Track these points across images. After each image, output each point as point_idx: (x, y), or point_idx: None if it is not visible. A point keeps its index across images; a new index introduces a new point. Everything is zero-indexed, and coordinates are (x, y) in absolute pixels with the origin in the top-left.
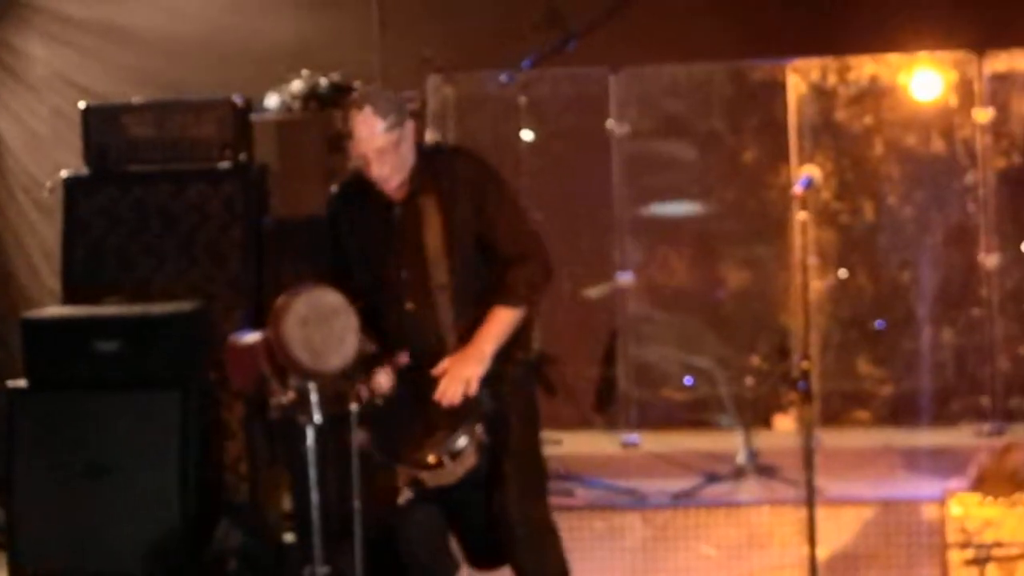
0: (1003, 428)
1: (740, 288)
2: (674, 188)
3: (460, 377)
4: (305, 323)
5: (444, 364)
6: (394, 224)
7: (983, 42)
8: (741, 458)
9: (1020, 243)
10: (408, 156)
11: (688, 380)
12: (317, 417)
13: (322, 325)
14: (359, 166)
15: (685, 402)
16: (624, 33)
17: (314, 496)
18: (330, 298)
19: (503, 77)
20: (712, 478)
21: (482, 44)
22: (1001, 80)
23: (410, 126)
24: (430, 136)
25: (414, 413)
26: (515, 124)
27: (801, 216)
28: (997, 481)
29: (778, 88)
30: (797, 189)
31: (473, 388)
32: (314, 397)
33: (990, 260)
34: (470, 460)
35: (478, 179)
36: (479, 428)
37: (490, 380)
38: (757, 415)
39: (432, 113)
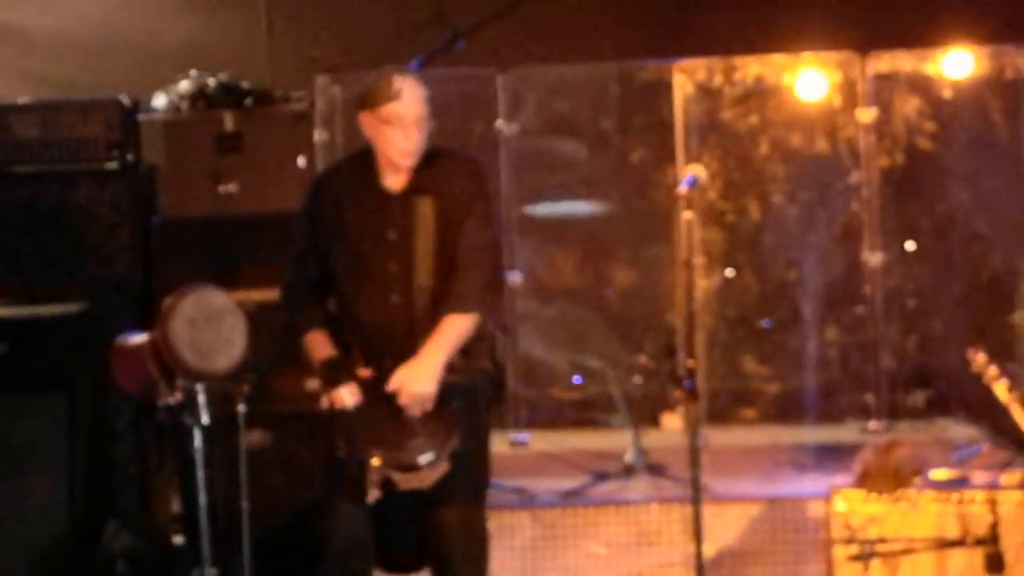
0: (888, 425)
1: (628, 287)
2: (562, 188)
3: (415, 398)
4: (192, 324)
5: (396, 381)
6: (390, 216)
7: (866, 43)
8: (629, 456)
9: (903, 241)
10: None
11: (577, 379)
12: (204, 418)
13: (209, 326)
14: (383, 138)
15: (574, 401)
16: (512, 33)
17: (202, 498)
18: (218, 299)
19: None
20: (601, 476)
21: (370, 44)
22: (884, 80)
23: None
24: (318, 137)
25: (389, 412)
26: None
27: (686, 215)
28: (881, 477)
29: (664, 88)
30: (682, 188)
31: (429, 405)
32: (201, 398)
33: (874, 258)
34: (444, 467)
35: (475, 195)
36: (456, 437)
37: (465, 390)
38: (645, 414)
39: (320, 113)
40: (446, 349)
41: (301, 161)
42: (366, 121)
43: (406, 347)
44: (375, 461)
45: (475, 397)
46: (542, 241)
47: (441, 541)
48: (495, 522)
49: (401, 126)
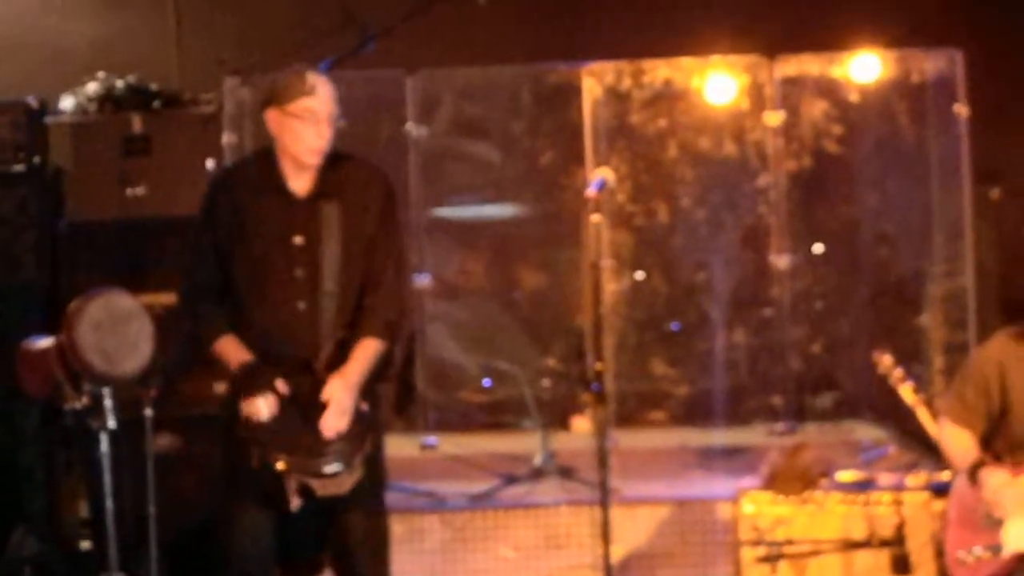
0: (795, 427)
1: (537, 290)
2: (471, 190)
3: (345, 410)
4: (98, 327)
5: (329, 390)
6: (296, 221)
7: (774, 46)
8: (539, 459)
9: (811, 244)
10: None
11: (486, 382)
12: (111, 422)
13: (116, 329)
14: (292, 135)
15: (483, 404)
16: (421, 35)
17: (109, 502)
18: (125, 302)
19: None
20: (510, 479)
21: (279, 46)
22: (792, 84)
23: None
24: (227, 139)
25: (303, 419)
26: None
27: (595, 218)
28: (788, 479)
29: (573, 91)
30: (590, 191)
31: (347, 417)
32: (108, 402)
33: (781, 261)
34: (359, 472)
35: (385, 203)
36: (369, 442)
37: (370, 396)
38: (555, 416)
39: (228, 116)
40: (366, 371)
41: (209, 164)
42: (273, 117)
43: (309, 354)
44: (280, 466)
45: (377, 402)
46: (451, 243)
47: (347, 543)
48: (405, 525)
49: (313, 122)
